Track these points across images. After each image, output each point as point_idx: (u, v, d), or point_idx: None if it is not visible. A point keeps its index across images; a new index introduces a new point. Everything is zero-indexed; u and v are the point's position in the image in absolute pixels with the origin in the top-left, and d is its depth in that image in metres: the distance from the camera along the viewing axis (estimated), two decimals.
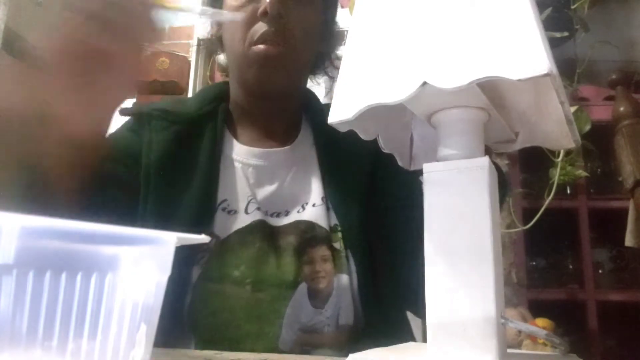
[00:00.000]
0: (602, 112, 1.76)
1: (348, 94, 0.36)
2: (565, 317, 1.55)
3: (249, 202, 0.69)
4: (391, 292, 0.68)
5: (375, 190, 0.72)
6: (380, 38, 0.36)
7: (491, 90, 0.37)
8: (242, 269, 0.65)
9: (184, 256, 0.60)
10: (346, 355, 0.36)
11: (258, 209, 0.69)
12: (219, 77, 2.09)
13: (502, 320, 0.33)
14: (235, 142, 0.74)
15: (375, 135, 0.43)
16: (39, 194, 0.48)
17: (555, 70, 0.29)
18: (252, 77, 0.70)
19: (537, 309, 1.58)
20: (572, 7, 1.73)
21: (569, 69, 1.79)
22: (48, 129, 0.46)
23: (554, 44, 1.70)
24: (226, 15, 0.70)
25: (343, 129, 0.37)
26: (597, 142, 1.70)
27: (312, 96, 0.82)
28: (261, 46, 0.67)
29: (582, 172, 1.70)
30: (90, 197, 0.55)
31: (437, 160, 0.37)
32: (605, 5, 2.02)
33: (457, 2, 0.33)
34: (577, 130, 0.38)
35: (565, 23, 1.73)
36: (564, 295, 1.80)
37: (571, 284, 1.86)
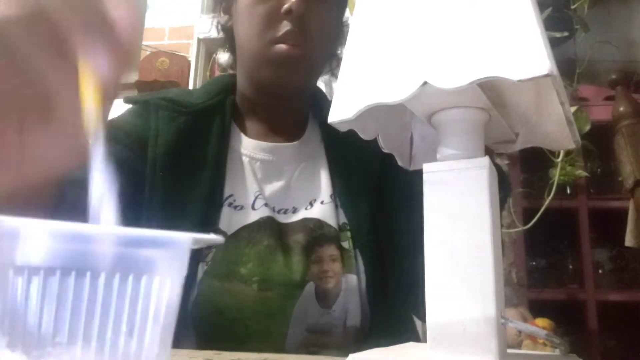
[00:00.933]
0: (602, 112, 1.76)
1: (348, 94, 0.36)
2: (565, 317, 1.55)
3: (256, 198, 0.68)
4: (399, 293, 0.68)
5: (384, 189, 0.72)
6: (380, 38, 0.36)
7: (491, 91, 0.37)
8: (249, 266, 0.64)
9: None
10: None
11: (266, 205, 0.68)
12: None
13: (502, 320, 0.33)
14: (243, 135, 0.73)
15: (375, 135, 0.43)
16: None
17: (555, 71, 0.29)
18: (269, 76, 0.68)
19: (537, 309, 1.58)
20: (572, 7, 1.73)
21: (569, 69, 1.79)
22: None
23: (554, 44, 1.70)
24: None
25: (343, 129, 0.37)
26: (597, 142, 1.70)
27: (319, 93, 0.82)
28: (283, 46, 0.66)
29: (582, 172, 1.70)
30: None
31: (437, 161, 0.37)
32: (605, 5, 2.02)
33: (457, 2, 0.33)
34: (577, 131, 0.38)
35: (565, 23, 1.73)
36: (564, 295, 1.80)
37: (571, 284, 1.86)
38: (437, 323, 0.34)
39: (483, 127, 0.38)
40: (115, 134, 0.69)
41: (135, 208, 0.64)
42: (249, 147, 0.72)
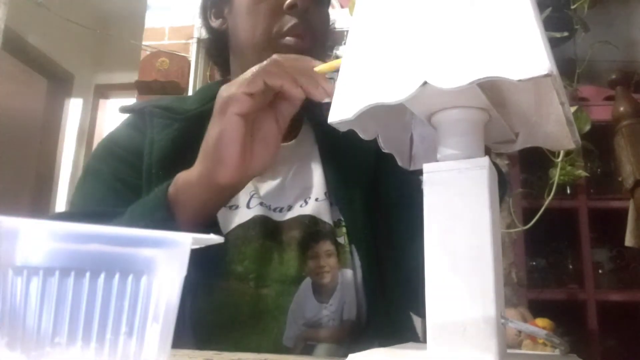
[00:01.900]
0: (602, 112, 1.76)
1: (348, 94, 0.36)
2: (565, 317, 1.55)
3: (251, 197, 0.68)
4: (395, 288, 0.69)
5: (378, 186, 0.72)
6: (380, 38, 0.36)
7: (491, 91, 0.37)
8: (245, 264, 0.64)
9: None
10: (350, 350, 0.36)
11: (261, 203, 0.68)
12: (219, 77, 2.09)
13: (502, 320, 0.33)
14: None
15: (375, 135, 0.43)
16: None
17: (555, 71, 0.29)
18: None
19: (537, 309, 1.58)
20: (572, 7, 1.73)
21: (569, 69, 1.79)
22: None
23: (554, 44, 1.70)
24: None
25: (343, 129, 0.37)
26: (597, 142, 1.70)
27: None
28: (290, 39, 0.67)
29: (582, 172, 1.70)
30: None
31: (437, 161, 0.37)
32: (605, 5, 2.02)
33: (457, 2, 0.33)
34: (577, 131, 0.38)
35: (565, 23, 1.73)
36: (564, 295, 1.80)
37: (571, 284, 1.86)
38: (437, 323, 0.34)
39: (483, 127, 0.38)
40: (114, 149, 0.70)
41: None
42: None
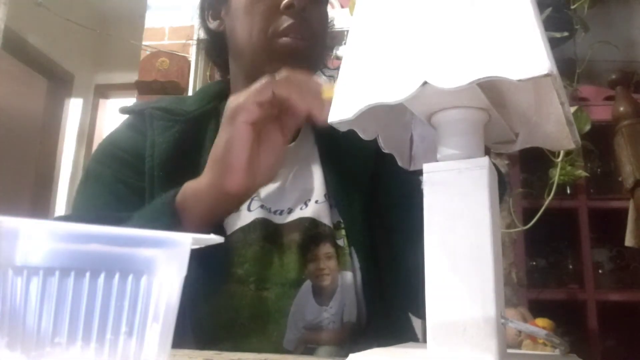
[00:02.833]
0: (602, 112, 1.76)
1: (348, 94, 0.36)
2: (565, 317, 1.55)
3: (252, 200, 0.68)
4: (394, 290, 0.69)
5: (377, 187, 0.72)
6: (380, 38, 0.36)
7: (491, 91, 0.37)
8: (245, 267, 0.64)
9: None
10: (350, 352, 0.36)
11: (262, 206, 0.68)
12: (219, 77, 2.09)
13: (502, 320, 0.33)
14: None
15: (375, 135, 0.43)
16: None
17: (555, 71, 0.29)
18: (273, 71, 0.68)
19: (537, 309, 1.58)
20: (572, 7, 1.73)
21: (569, 69, 1.79)
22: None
23: (554, 44, 1.70)
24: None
25: (343, 129, 0.37)
26: (597, 142, 1.70)
27: None
28: (287, 39, 0.67)
29: (582, 172, 1.70)
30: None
31: (437, 161, 0.37)
32: (605, 5, 2.02)
33: (457, 2, 0.33)
34: (577, 131, 0.38)
35: (565, 23, 1.73)
36: (564, 295, 1.80)
37: (571, 284, 1.86)
38: (437, 323, 0.34)
39: (483, 127, 0.38)
40: (115, 152, 0.70)
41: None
42: None
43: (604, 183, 1.89)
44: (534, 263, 1.89)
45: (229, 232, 0.66)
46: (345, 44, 0.39)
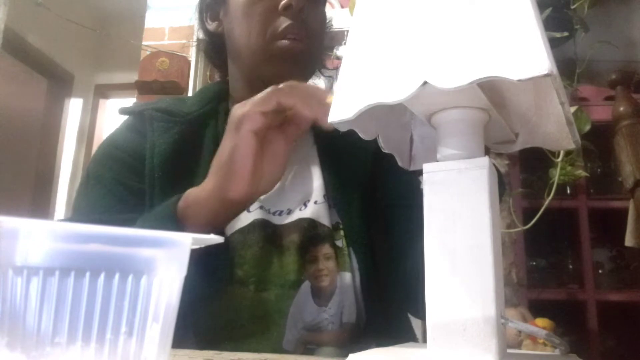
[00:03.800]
0: (602, 112, 1.76)
1: (348, 94, 0.36)
2: (565, 317, 1.55)
3: None
4: (393, 290, 0.69)
5: (376, 187, 0.72)
6: (380, 38, 0.36)
7: (491, 91, 0.37)
8: (245, 268, 0.64)
9: None
10: (349, 353, 0.36)
11: (261, 207, 0.68)
12: (219, 78, 2.09)
13: (502, 320, 0.33)
14: None
15: (375, 135, 0.43)
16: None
17: (555, 71, 0.29)
18: (272, 72, 0.69)
19: (537, 309, 1.58)
20: (572, 7, 1.73)
21: (569, 69, 1.79)
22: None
23: (554, 44, 1.70)
24: None
25: (343, 129, 0.37)
26: (597, 142, 1.69)
27: None
28: (286, 41, 0.67)
29: (582, 172, 1.69)
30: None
31: (437, 161, 0.37)
32: (605, 5, 2.02)
33: (457, 2, 0.33)
34: (577, 131, 0.38)
35: (565, 23, 1.73)
36: (564, 295, 1.80)
37: (571, 284, 1.86)
38: (437, 323, 0.34)
39: (483, 127, 0.38)
40: (115, 153, 0.70)
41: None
42: None
43: (604, 183, 1.89)
44: (534, 263, 1.89)
45: (228, 233, 0.66)
46: (345, 44, 0.39)
